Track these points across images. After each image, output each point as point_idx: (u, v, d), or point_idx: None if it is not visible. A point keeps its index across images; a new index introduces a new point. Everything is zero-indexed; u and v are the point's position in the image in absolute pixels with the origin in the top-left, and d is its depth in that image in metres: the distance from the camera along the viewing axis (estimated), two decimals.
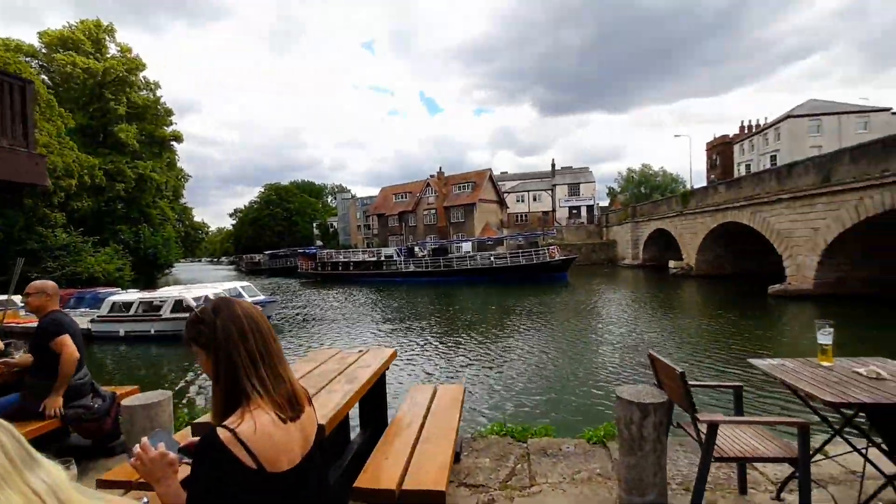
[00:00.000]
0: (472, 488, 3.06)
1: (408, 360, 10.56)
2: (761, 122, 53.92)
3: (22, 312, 20.90)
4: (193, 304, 16.46)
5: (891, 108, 45.08)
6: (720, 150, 58.69)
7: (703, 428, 2.40)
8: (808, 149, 39.44)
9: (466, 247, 38.65)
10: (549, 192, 56.41)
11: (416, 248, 39.29)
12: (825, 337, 2.70)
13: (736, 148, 56.46)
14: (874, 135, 34.53)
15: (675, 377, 2.48)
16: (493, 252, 36.34)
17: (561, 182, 56.34)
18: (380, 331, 15.48)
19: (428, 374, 9.40)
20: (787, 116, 47.41)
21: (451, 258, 34.99)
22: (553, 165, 60.13)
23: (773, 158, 46.20)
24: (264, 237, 78.33)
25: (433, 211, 52.36)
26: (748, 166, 51.06)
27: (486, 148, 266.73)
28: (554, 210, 55.32)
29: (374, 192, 62.69)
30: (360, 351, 3.57)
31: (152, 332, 16.71)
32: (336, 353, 3.52)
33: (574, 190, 55.11)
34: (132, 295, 18.85)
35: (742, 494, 2.80)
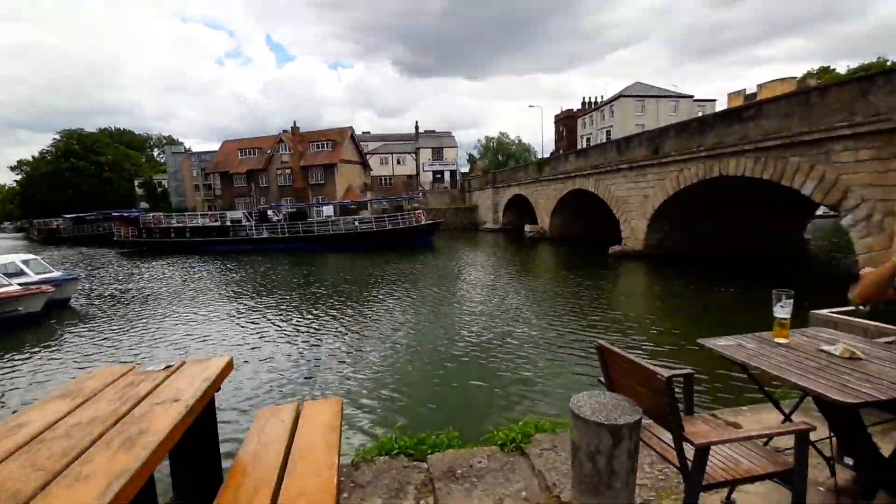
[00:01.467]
0: None
1: (258, 361, 8.37)
2: (599, 100, 60.69)
3: None
4: None
5: (692, 96, 54.87)
6: (566, 123, 64.74)
7: (688, 450, 1.75)
8: (634, 126, 45.62)
9: (328, 211, 36.12)
10: (413, 155, 55.85)
11: (271, 212, 35.33)
12: (783, 310, 2.28)
13: (579, 122, 62.86)
14: (682, 117, 41.41)
15: (653, 382, 1.77)
16: (357, 217, 34.57)
17: (425, 145, 56.12)
18: (221, 315, 13.13)
19: (286, 379, 7.15)
20: (620, 96, 54.10)
21: (311, 223, 32.26)
22: (416, 128, 59.45)
23: (608, 133, 52.56)
24: (65, 197, 62.90)
25: (288, 171, 47.64)
26: (588, 139, 57.39)
27: (346, 106, 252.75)
28: (418, 174, 55.12)
29: (214, 146, 54.34)
30: (169, 367, 2.21)
31: None
32: (121, 377, 2.11)
33: (438, 154, 55.45)
34: None
35: None
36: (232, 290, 16.19)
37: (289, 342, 9.30)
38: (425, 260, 22.73)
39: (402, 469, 2.73)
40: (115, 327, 11.74)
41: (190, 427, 2.02)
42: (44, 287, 13.21)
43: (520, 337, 8.74)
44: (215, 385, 2.10)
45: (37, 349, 10.07)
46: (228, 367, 2.27)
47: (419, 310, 11.63)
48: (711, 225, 19.96)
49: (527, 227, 32.50)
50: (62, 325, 12.39)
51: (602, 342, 2.19)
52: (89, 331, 11.57)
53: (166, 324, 11.72)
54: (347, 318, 11.08)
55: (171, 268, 23.50)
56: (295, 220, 33.02)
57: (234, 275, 20.08)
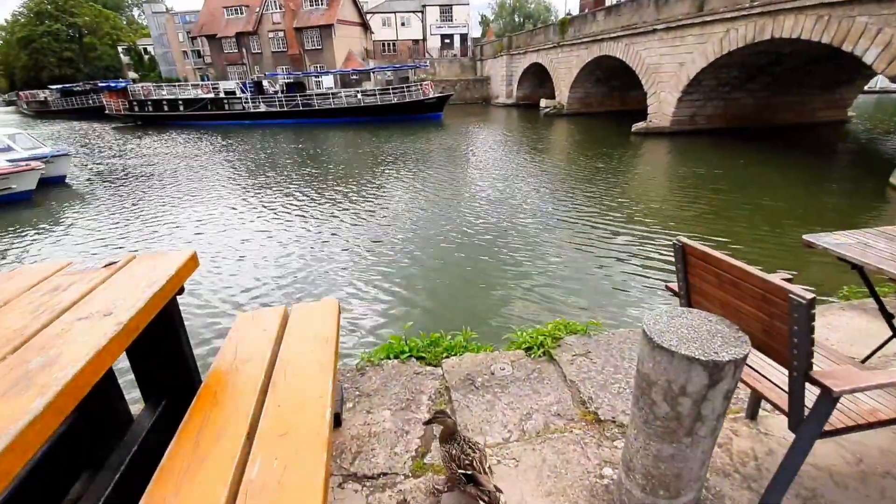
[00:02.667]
0: (366, 483, 1.76)
1: (242, 255, 7.96)
2: None
3: None
4: None
5: None
6: None
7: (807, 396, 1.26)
8: None
9: (328, 81, 33.45)
10: (419, 15, 49.80)
11: (266, 83, 32.70)
12: None
13: None
14: None
15: (774, 301, 1.22)
16: (359, 88, 32.00)
17: (432, 2, 49.71)
18: (215, 198, 12.63)
19: (275, 277, 6.44)
20: None
21: (311, 95, 29.93)
22: None
23: None
24: (47, 66, 58.66)
25: (281, 34, 43.07)
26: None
27: None
28: (425, 39, 49.79)
29: (198, 4, 48.45)
30: (111, 264, 1.69)
31: None
32: (46, 278, 1.60)
33: (446, 14, 49.34)
34: None
35: None
36: (227, 170, 15.49)
37: (283, 230, 8.90)
38: (433, 137, 21.38)
39: (413, 376, 2.37)
40: (112, 208, 11.34)
41: (144, 343, 1.59)
42: (33, 164, 12.58)
43: (537, 227, 8.17)
44: (171, 288, 1.59)
45: (32, 232, 9.83)
46: (190, 264, 1.73)
47: (427, 195, 10.97)
48: (748, 99, 18.09)
49: (542, 103, 30.03)
50: (59, 206, 12.03)
51: (684, 239, 1.60)
52: (86, 211, 11.22)
53: (162, 205, 11.30)
54: (348, 204, 10.54)
55: (165, 144, 22.47)
56: (293, 91, 30.63)
57: (229, 153, 19.15)
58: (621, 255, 6.69)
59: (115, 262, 1.70)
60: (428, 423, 1.70)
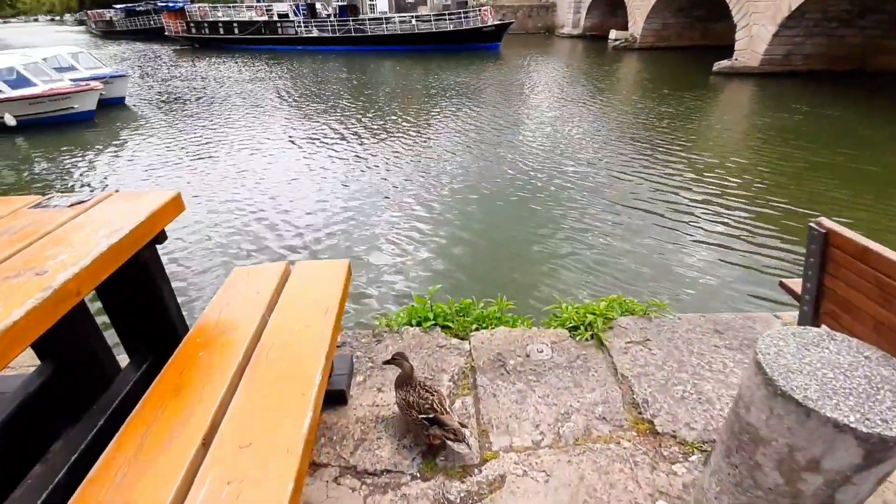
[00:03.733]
0: (366, 480, 1.50)
1: (283, 188, 8.02)
2: None
3: None
4: None
5: None
6: None
7: None
8: None
9: (382, 5, 31.72)
10: None
11: (319, 5, 31.42)
12: None
13: None
14: None
15: None
16: (414, 14, 30.10)
17: None
18: (256, 125, 12.46)
19: (291, 227, 6.03)
20: None
21: (364, 21, 28.54)
22: None
23: None
24: None
25: None
26: None
27: None
28: None
29: None
30: (80, 203, 1.42)
31: None
32: (6, 214, 1.35)
33: None
34: None
35: None
36: (274, 98, 15.26)
37: (319, 165, 8.66)
38: (488, 70, 19.95)
39: (435, 349, 2.05)
40: (165, 131, 11.50)
41: (118, 295, 1.36)
42: (94, 84, 12.81)
43: (595, 182, 7.34)
44: (141, 236, 1.30)
45: (91, 154, 10.13)
46: (170, 208, 1.44)
47: (474, 136, 10.22)
48: (856, 38, 15.31)
49: (612, 35, 27.10)
50: (117, 127, 12.33)
51: (828, 222, 1.09)
52: (141, 134, 11.44)
53: (211, 130, 11.34)
54: (388, 142, 10.05)
55: (219, 68, 22.39)
56: (345, 15, 29.33)
57: (278, 80, 18.83)
58: (698, 224, 5.80)
59: (84, 201, 1.42)
60: (386, 363, 1.63)
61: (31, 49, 15.42)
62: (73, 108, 12.47)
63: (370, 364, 1.96)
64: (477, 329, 2.20)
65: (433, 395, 1.52)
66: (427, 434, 1.51)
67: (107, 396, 1.36)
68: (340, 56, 26.42)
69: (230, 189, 7.41)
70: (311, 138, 10.24)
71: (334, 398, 1.73)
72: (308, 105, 13.94)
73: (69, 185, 8.28)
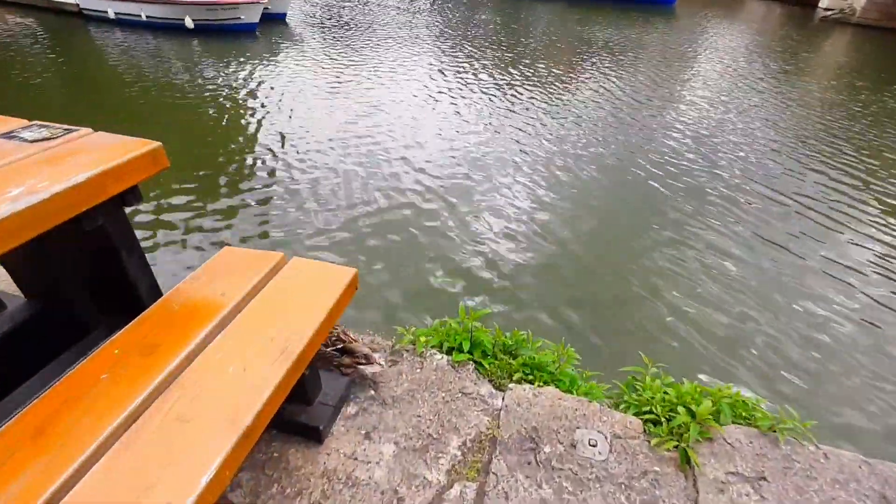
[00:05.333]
0: None
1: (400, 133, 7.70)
2: None
3: None
4: None
5: None
6: None
7: None
8: None
9: None
10: None
11: None
12: None
13: None
14: None
15: None
16: None
17: None
18: (396, 57, 12.24)
19: (401, 172, 5.77)
20: None
21: None
22: None
23: None
24: None
25: None
26: None
27: None
28: None
29: None
30: (64, 134, 1.19)
31: (143, 17, 13.92)
32: None
33: None
34: None
35: None
36: (420, 31, 14.95)
37: (440, 112, 8.18)
38: (657, 28, 17.32)
39: (457, 395, 1.60)
40: (318, 52, 11.92)
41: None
42: None
43: (751, 203, 5.78)
44: (88, 198, 1.03)
45: (248, 66, 10.88)
46: (146, 162, 1.15)
47: (623, 106, 8.83)
48: None
49: (823, 2, 21.70)
50: (276, 42, 13.09)
51: None
52: (297, 51, 12.00)
53: (358, 54, 11.49)
54: (527, 97, 9.18)
55: None
56: None
57: (429, 14, 18.41)
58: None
59: (50, 139, 1.17)
60: None
61: None
62: (239, 18, 13.49)
63: (370, 394, 1.58)
64: (520, 380, 1.68)
65: (336, 328, 1.57)
66: (338, 365, 1.55)
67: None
68: None
69: (354, 122, 7.43)
70: (448, 80, 9.92)
71: (309, 433, 1.39)
72: (453, 44, 13.46)
73: (221, 91, 9.00)
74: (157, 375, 0.94)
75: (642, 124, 7.70)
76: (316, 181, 5.55)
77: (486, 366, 1.71)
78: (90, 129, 1.24)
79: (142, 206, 4.87)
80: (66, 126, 1.24)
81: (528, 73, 10.54)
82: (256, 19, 13.77)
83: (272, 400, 0.95)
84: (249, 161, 6.15)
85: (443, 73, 10.45)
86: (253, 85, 9.37)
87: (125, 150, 1.12)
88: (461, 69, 10.77)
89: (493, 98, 8.76)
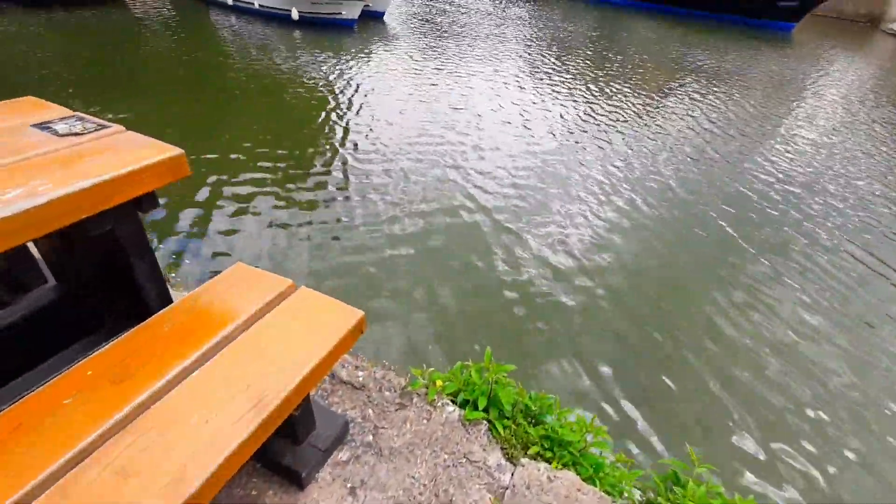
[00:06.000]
0: None
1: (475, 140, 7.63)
2: None
3: None
4: None
5: None
6: None
7: None
8: None
9: None
10: None
11: None
12: None
13: None
14: None
15: None
16: None
17: None
18: (489, 63, 12.10)
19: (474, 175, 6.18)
20: None
21: None
22: None
23: None
24: None
25: None
26: None
27: None
28: None
29: None
30: (72, 135, 1.16)
31: (256, 5, 14.97)
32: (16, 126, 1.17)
33: None
34: None
35: None
36: (516, 40, 14.73)
37: (523, 125, 7.91)
38: (768, 56, 15.82)
39: (458, 460, 1.42)
40: (411, 52, 12.16)
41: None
42: None
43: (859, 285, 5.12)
44: (98, 202, 1.00)
45: (343, 59, 11.32)
46: (163, 170, 1.12)
47: (714, 141, 8.00)
48: None
49: None
50: (373, 39, 13.53)
51: None
52: (392, 49, 12.32)
53: (448, 58, 11.56)
54: (609, 114, 8.70)
55: (485, 3, 22.73)
56: None
57: (527, 24, 18.17)
58: None
59: (81, 134, 1.15)
60: None
61: None
62: (340, 13, 14.09)
63: (367, 441, 1.44)
64: (537, 455, 1.47)
65: None
66: None
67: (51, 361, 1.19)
68: (597, 7, 24.24)
69: (426, 125, 7.45)
70: (525, 90, 9.68)
71: (291, 476, 1.28)
72: (539, 55, 13.16)
73: (311, 81, 9.42)
74: (118, 412, 0.86)
75: (727, 161, 6.97)
76: (370, 177, 5.61)
77: (501, 430, 1.52)
78: (122, 128, 1.21)
79: (210, 179, 5.15)
80: (100, 122, 1.22)
81: (610, 92, 10.00)
82: (356, 15, 14.30)
83: (229, 463, 0.84)
84: (319, 148, 6.34)
85: (522, 82, 10.21)
86: (341, 78, 9.70)
87: (143, 156, 1.08)
88: (542, 81, 10.48)
89: (566, 113, 8.40)
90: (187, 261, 3.91)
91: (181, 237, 4.23)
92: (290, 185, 5.32)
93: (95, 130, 1.18)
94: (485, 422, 1.55)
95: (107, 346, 1.01)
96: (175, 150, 1.12)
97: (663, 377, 3.15)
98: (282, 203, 4.97)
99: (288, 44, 12.60)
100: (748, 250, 4.82)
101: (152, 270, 1.24)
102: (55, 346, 1.25)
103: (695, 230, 5.11)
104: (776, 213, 5.60)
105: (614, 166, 6.44)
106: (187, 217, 4.53)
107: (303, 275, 3.83)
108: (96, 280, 1.30)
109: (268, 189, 5.23)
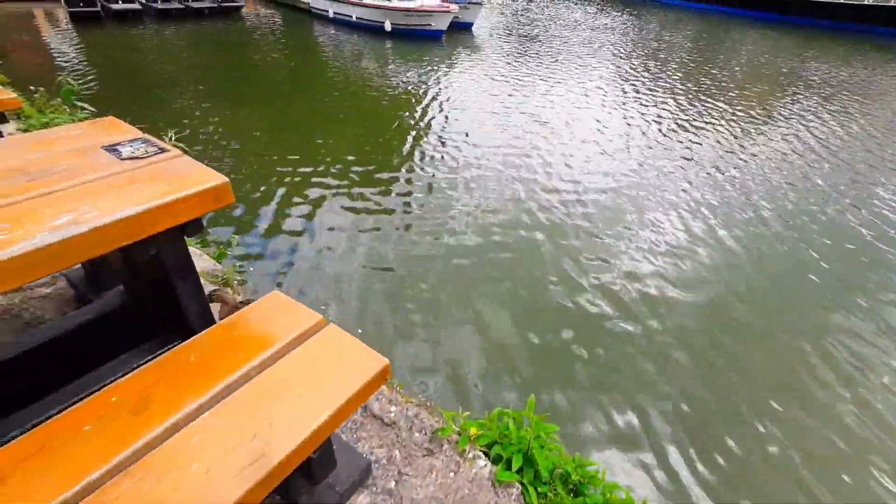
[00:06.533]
0: None
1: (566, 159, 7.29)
2: None
3: None
4: None
5: None
6: None
7: None
8: None
9: None
10: None
11: None
12: None
13: None
14: None
15: None
16: None
17: None
18: (573, 77, 11.70)
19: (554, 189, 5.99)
20: None
21: None
22: None
23: None
24: None
25: None
26: None
27: None
28: None
29: None
30: (132, 159, 1.22)
31: (353, 18, 15.83)
32: (81, 147, 1.26)
33: None
34: None
35: None
36: (607, 52, 14.15)
37: (609, 142, 7.50)
38: None
39: None
40: (498, 63, 12.15)
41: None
42: (452, 7, 14.40)
43: None
44: (145, 227, 1.06)
45: (429, 68, 11.58)
46: (208, 199, 1.16)
47: (820, 170, 7.06)
48: None
49: None
50: (460, 49, 13.70)
51: None
52: (475, 61, 12.40)
53: (535, 70, 11.39)
54: (704, 133, 7.99)
55: (576, 11, 22.26)
56: None
57: (621, 34, 17.41)
58: None
59: (140, 158, 1.20)
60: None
61: None
62: (430, 25, 14.46)
63: (392, 486, 1.36)
64: None
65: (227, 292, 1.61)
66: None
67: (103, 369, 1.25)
68: (700, 15, 22.62)
69: (509, 135, 7.36)
70: (615, 102, 9.24)
71: None
72: (633, 66, 12.51)
73: (399, 87, 9.74)
74: (128, 448, 0.87)
75: (836, 191, 6.05)
76: (437, 185, 5.69)
77: (535, 498, 1.37)
78: (179, 152, 1.25)
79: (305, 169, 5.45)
80: (162, 145, 1.27)
81: (702, 108, 9.18)
82: (445, 27, 14.59)
83: None
84: (394, 153, 6.54)
85: (605, 95, 9.74)
86: (423, 86, 9.91)
87: (189, 184, 1.10)
88: (626, 94, 9.93)
89: (650, 130, 7.84)
90: (263, 255, 4.16)
91: (258, 231, 4.51)
92: (362, 188, 5.50)
93: (155, 154, 1.22)
94: (518, 484, 1.41)
95: (136, 372, 1.03)
96: (220, 179, 1.14)
97: (734, 445, 2.75)
98: (350, 204, 5.15)
99: (379, 53, 13.15)
100: (856, 302, 4.12)
101: (195, 291, 1.27)
102: (115, 349, 1.31)
103: (789, 271, 4.50)
104: (894, 260, 4.75)
105: (698, 191, 5.89)
106: (267, 213, 4.84)
107: (357, 276, 3.90)
108: (150, 293, 1.36)
109: (342, 189, 5.46)
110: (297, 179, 5.62)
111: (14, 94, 2.11)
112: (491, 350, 3.29)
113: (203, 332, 1.15)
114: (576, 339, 3.43)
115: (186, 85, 9.29)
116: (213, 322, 1.34)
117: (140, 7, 15.54)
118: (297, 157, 6.20)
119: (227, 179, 1.15)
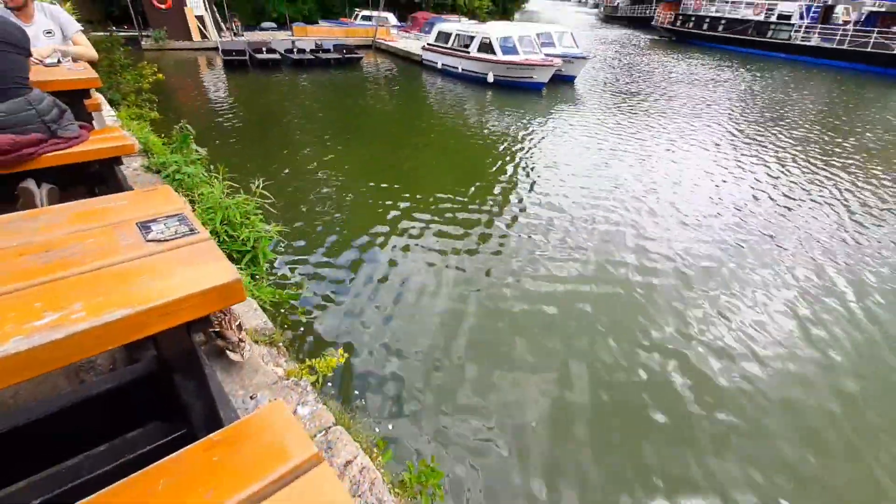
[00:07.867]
0: None
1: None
2: None
3: (394, 31, 24.28)
4: (497, 44, 14.92)
5: None
6: None
7: None
8: None
9: None
10: None
11: (840, 9, 24.63)
12: None
13: None
14: None
15: None
16: None
17: None
18: (679, 137, 10.94)
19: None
20: None
21: None
22: None
23: None
24: None
25: None
26: None
27: None
28: None
29: None
30: (155, 242, 1.16)
31: (459, 69, 16.59)
32: (114, 222, 1.24)
33: None
34: (452, 24, 18.55)
35: None
36: (719, 108, 13.17)
37: (708, 216, 6.77)
38: None
39: None
40: (598, 117, 11.94)
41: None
42: (555, 61, 14.47)
43: None
44: (146, 326, 0.99)
45: (527, 120, 11.64)
46: (226, 293, 1.05)
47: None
48: None
49: None
50: (556, 102, 13.72)
51: None
52: (574, 114, 12.32)
53: (639, 130, 10.93)
54: (795, 206, 6.90)
55: (683, 65, 21.36)
56: (872, 24, 21.87)
57: (736, 91, 16.19)
58: None
59: (161, 241, 1.14)
60: None
61: (541, 24, 18.86)
62: (531, 77, 14.64)
63: None
64: None
65: (226, 315, 1.72)
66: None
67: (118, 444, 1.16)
68: (839, 73, 20.33)
69: (602, 190, 7.01)
70: (724, 160, 8.48)
71: None
72: (747, 124, 11.46)
73: (495, 136, 9.87)
74: None
75: None
76: (524, 231, 5.64)
77: None
78: (207, 236, 1.18)
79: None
80: (193, 226, 1.20)
81: (837, 173, 7.96)
82: (546, 80, 14.68)
83: None
84: (487, 196, 6.58)
85: (713, 153, 9.03)
86: (518, 135, 9.93)
87: (198, 280, 1.00)
88: (737, 151, 9.16)
89: (767, 191, 6.99)
90: (331, 301, 4.19)
91: (335, 276, 4.56)
92: (451, 227, 5.55)
93: (183, 237, 1.16)
94: None
95: (106, 491, 0.89)
96: (232, 276, 1.02)
97: None
98: (439, 242, 5.15)
99: (481, 102, 13.57)
100: None
101: (198, 388, 1.15)
102: (124, 425, 1.23)
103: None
104: None
105: (821, 260, 4.98)
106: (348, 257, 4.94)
107: (434, 314, 3.79)
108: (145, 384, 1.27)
109: (431, 226, 5.50)
110: (394, 213, 5.83)
111: (130, 139, 2.27)
112: (559, 426, 2.95)
113: (184, 449, 1.00)
114: (662, 417, 2.98)
115: (306, 123, 10.33)
116: (220, 424, 1.20)
117: (279, 57, 17.81)
118: (393, 198, 6.37)
119: (239, 277, 1.04)
